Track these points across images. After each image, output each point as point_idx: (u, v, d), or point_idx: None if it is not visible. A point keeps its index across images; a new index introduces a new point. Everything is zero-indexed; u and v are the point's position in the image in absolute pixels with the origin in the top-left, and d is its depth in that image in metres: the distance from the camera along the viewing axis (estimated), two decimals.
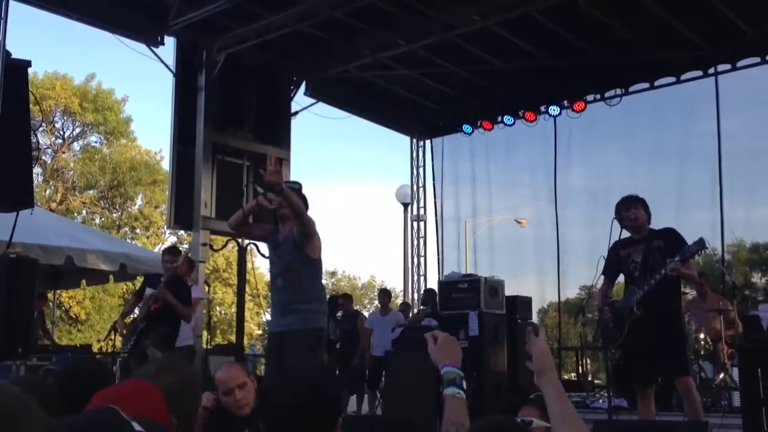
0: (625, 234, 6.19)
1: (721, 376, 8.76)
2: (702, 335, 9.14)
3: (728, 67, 11.45)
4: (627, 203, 6.14)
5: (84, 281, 13.66)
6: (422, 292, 13.55)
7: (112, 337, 8.75)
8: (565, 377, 16.71)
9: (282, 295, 5.74)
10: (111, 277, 12.11)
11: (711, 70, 11.61)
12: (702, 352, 9.07)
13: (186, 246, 30.43)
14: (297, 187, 6.04)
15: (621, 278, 6.45)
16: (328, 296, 8.55)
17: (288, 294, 5.69)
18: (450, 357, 2.50)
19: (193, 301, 8.57)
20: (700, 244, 5.79)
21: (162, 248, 26.04)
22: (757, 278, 30.97)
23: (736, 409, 8.04)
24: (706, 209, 11.97)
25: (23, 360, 7.79)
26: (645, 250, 5.99)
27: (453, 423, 2.35)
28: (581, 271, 12.63)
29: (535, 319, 11.00)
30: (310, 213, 5.74)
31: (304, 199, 5.84)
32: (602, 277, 6.31)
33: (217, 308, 31.99)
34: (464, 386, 2.45)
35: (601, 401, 9.01)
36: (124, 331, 8.25)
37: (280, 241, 5.80)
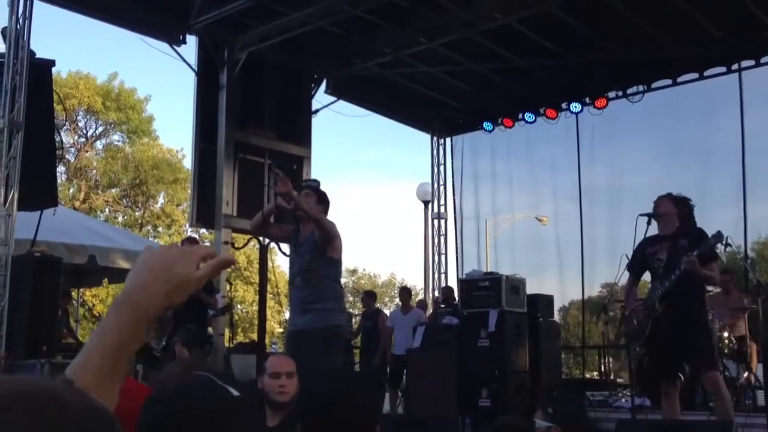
0: (653, 231, 6.13)
1: (746, 375, 8.68)
2: (726, 333, 9.05)
3: (752, 63, 11.34)
4: (658, 198, 6.10)
5: (106, 280, 13.74)
6: (441, 289, 13.54)
7: None
8: (588, 376, 16.65)
9: (300, 294, 5.80)
10: None
11: (734, 66, 11.49)
12: (726, 351, 8.98)
13: (207, 244, 30.64)
14: (315, 185, 6.08)
15: (647, 276, 6.39)
16: None
17: (306, 293, 5.74)
18: None
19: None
20: (718, 237, 5.72)
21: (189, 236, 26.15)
22: None
23: (760, 408, 7.98)
24: (729, 206, 11.87)
25: (48, 358, 7.85)
26: (671, 248, 5.92)
27: None
28: (604, 269, 12.58)
29: (556, 317, 10.95)
30: (331, 212, 5.79)
31: (323, 196, 5.88)
32: (627, 275, 6.26)
33: (239, 306, 32.08)
34: None
35: (624, 400, 8.97)
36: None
37: (300, 241, 5.84)
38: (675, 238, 5.93)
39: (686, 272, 5.68)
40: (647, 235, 6.11)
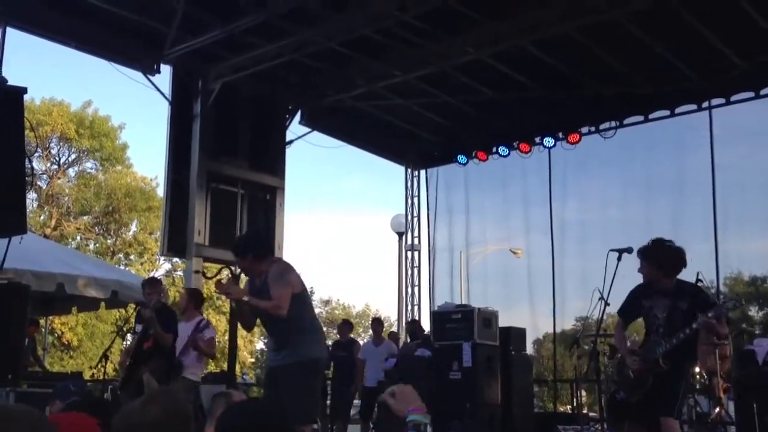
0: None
1: (717, 410, 8.69)
2: (697, 369, 9.07)
3: (722, 101, 11.51)
4: (639, 255, 6.02)
5: (75, 308, 13.57)
6: (407, 323, 13.44)
7: (104, 364, 8.70)
8: (561, 409, 16.62)
9: (273, 333, 5.82)
10: (102, 304, 12.03)
11: (705, 104, 11.66)
12: (697, 387, 9.00)
13: (180, 273, 30.47)
14: (236, 247, 6.03)
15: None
16: None
17: (278, 331, 5.76)
18: (413, 402, 2.32)
19: (208, 341, 8.42)
20: (735, 303, 5.79)
21: (155, 275, 25.96)
22: (754, 311, 30.87)
23: None
24: (700, 241, 11.96)
25: (13, 387, 7.73)
26: (670, 308, 5.86)
27: None
28: (575, 302, 12.64)
29: (530, 349, 10.95)
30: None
31: (246, 246, 5.86)
32: (600, 307, 6.22)
33: None
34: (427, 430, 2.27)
35: None
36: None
37: (259, 288, 5.78)
38: (673, 297, 5.87)
39: (696, 331, 5.68)
40: (644, 283, 6.08)
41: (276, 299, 5.51)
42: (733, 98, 11.39)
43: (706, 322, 5.58)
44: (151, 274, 28.76)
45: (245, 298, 5.55)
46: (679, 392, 5.75)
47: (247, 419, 2.18)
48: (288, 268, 5.75)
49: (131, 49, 10.57)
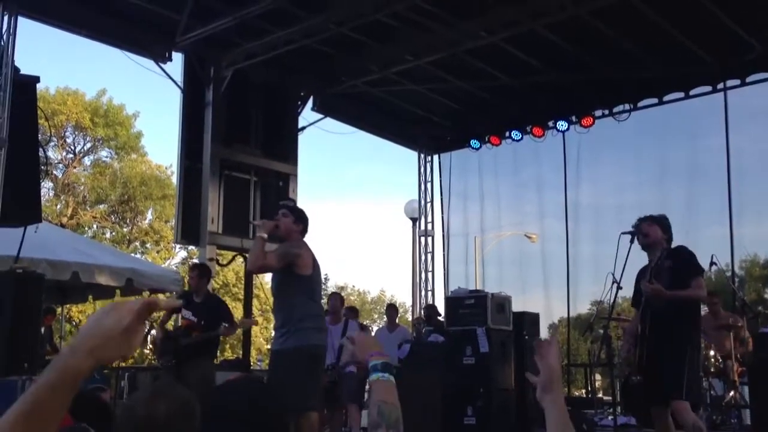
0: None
1: (732, 393, 8.67)
2: (712, 352, 9.05)
3: (737, 82, 11.39)
4: (642, 220, 6.05)
5: (91, 296, 13.67)
6: (423, 308, 13.47)
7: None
8: (576, 394, 16.62)
9: (278, 314, 5.87)
10: (117, 291, 12.10)
11: (720, 86, 11.55)
12: (712, 370, 8.97)
13: (195, 260, 30.53)
14: (291, 205, 6.12)
15: None
16: None
17: (282, 313, 5.78)
18: (372, 348, 2.41)
19: None
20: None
21: (171, 263, 25.99)
22: None
23: (746, 427, 7.99)
24: (716, 225, 11.90)
25: (29, 375, 7.78)
26: (657, 267, 5.88)
27: (376, 403, 2.28)
28: (591, 286, 12.58)
29: (545, 334, 10.92)
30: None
31: (300, 215, 5.89)
32: (613, 292, 6.19)
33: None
34: (392, 371, 2.35)
35: (609, 418, 8.94)
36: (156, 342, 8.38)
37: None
38: (660, 260, 5.90)
39: (651, 299, 5.71)
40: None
41: (270, 255, 5.62)
42: (749, 79, 11.28)
43: (647, 289, 5.69)
44: (168, 262, 28.91)
45: (264, 234, 5.63)
46: (683, 371, 5.64)
47: (238, 396, 2.16)
48: (301, 245, 5.75)
49: (142, 37, 10.57)
